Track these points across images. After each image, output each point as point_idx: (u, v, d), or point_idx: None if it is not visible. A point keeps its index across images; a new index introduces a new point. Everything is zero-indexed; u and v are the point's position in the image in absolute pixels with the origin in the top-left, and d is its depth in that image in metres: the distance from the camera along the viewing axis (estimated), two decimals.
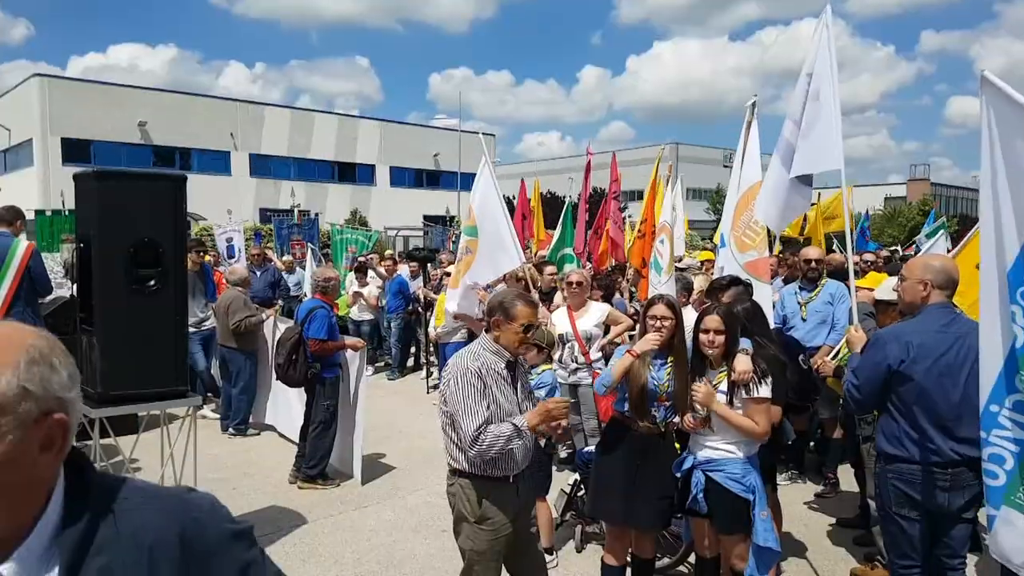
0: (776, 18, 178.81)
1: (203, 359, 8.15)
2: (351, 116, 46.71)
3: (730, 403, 3.52)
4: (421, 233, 31.14)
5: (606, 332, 5.81)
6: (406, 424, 8.08)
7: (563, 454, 6.14)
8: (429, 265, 10.62)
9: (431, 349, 10.14)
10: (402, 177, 46.40)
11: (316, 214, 17.31)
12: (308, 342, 5.67)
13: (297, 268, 13.52)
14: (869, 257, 11.41)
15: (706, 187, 51.67)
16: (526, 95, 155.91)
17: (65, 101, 34.71)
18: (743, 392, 3.50)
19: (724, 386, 3.55)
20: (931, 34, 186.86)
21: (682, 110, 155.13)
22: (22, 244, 5.59)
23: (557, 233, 9.12)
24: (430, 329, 9.17)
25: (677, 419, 3.74)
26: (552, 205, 26.17)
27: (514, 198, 44.03)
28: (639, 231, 8.58)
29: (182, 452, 4.86)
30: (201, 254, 8.24)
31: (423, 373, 10.31)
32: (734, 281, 4.34)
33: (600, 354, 5.66)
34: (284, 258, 14.41)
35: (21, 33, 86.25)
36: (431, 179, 47.75)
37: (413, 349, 11.70)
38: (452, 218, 33.44)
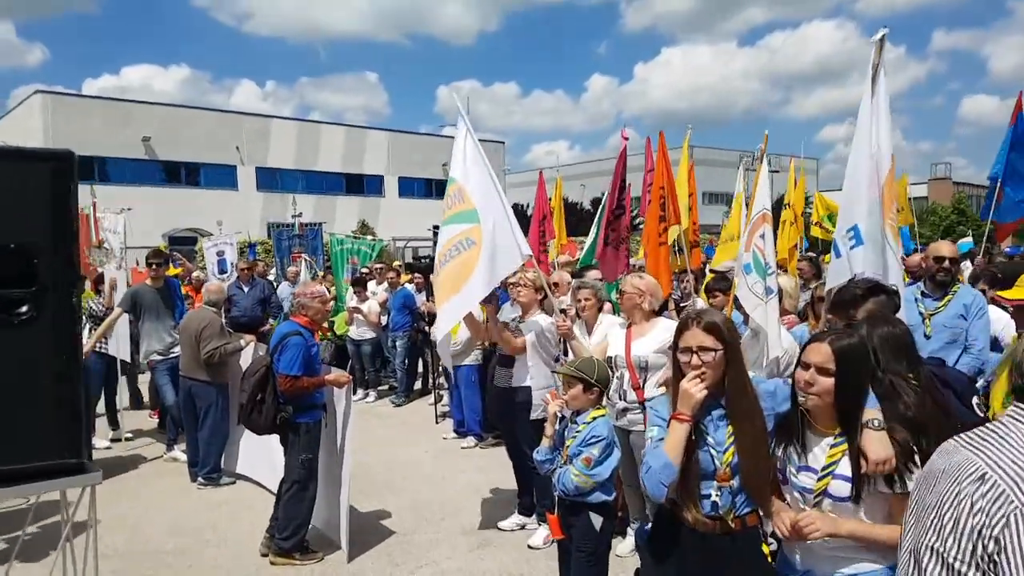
0: (784, 21, 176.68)
1: (171, 392, 6.91)
2: (358, 127, 45.75)
3: (856, 497, 2.22)
4: (431, 243, 29.93)
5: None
6: (409, 465, 6.80)
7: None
8: (432, 276, 9.33)
9: (440, 371, 8.90)
10: (411, 188, 45.36)
11: (319, 224, 16.08)
12: (278, 378, 4.41)
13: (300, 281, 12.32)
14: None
15: (724, 191, 50.25)
16: (533, 105, 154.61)
17: (68, 118, 33.98)
18: (881, 484, 2.20)
19: (843, 466, 2.24)
20: (943, 33, 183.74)
21: (691, 116, 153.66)
22: None
23: (592, 235, 7.84)
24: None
25: (748, 509, 2.46)
26: (566, 211, 24.86)
27: (527, 206, 42.70)
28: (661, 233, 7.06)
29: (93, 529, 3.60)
30: (156, 267, 6.96)
31: (432, 398, 9.04)
32: (875, 289, 2.97)
33: (660, 391, 4.30)
34: (290, 269, 13.27)
35: (37, 57, 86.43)
36: (440, 189, 46.55)
37: (421, 370, 10.45)
38: None
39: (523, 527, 5.13)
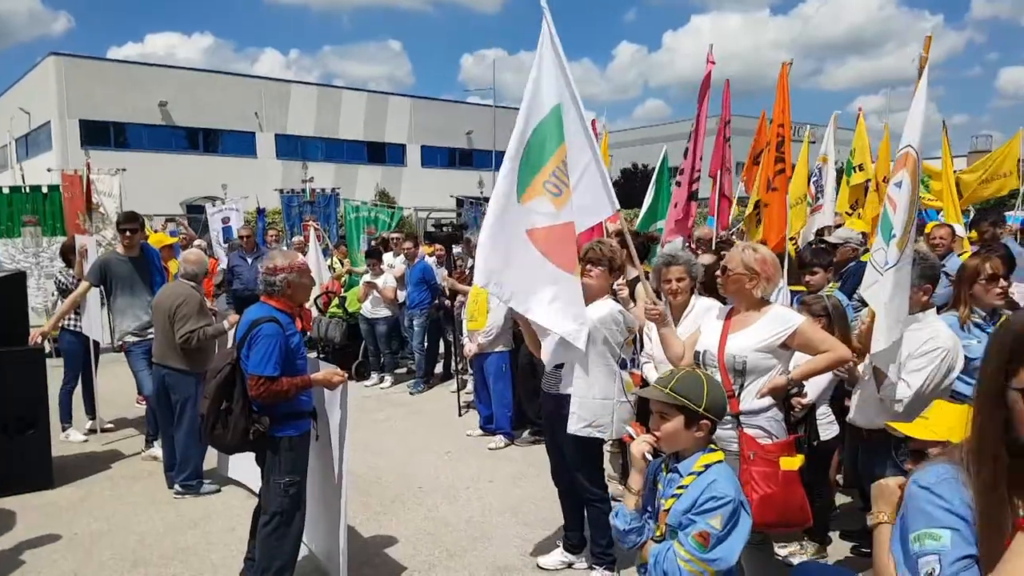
0: None
1: (150, 379, 5.86)
2: (380, 92, 44.40)
3: None
4: (454, 214, 28.74)
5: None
6: (426, 471, 5.70)
7: None
8: (455, 247, 8.13)
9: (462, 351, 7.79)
10: (433, 157, 44.07)
11: (333, 190, 14.97)
12: (247, 379, 3.30)
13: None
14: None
15: None
16: None
17: (83, 82, 33.07)
18: None
19: None
20: (982, 2, 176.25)
21: (721, 85, 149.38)
22: None
23: (648, 198, 6.59)
24: (465, 340, 6.77)
25: None
26: None
27: None
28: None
29: None
30: (129, 233, 5.85)
31: (454, 384, 7.95)
32: None
33: (765, 403, 3.15)
34: (295, 239, 12.19)
35: (62, 26, 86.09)
36: (464, 159, 45.35)
37: (442, 351, 9.34)
38: (487, 200, 30.94)
39: (570, 566, 4.02)
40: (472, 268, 7.88)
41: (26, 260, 10.49)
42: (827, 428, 4.08)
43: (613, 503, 3.97)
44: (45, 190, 10.77)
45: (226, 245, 11.96)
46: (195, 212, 26.94)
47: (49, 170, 12.31)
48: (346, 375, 3.56)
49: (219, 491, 5.26)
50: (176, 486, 5.21)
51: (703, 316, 3.86)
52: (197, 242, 11.02)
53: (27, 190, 10.62)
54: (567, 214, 3.41)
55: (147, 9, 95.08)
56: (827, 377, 3.82)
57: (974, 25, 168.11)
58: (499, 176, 3.50)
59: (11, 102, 37.12)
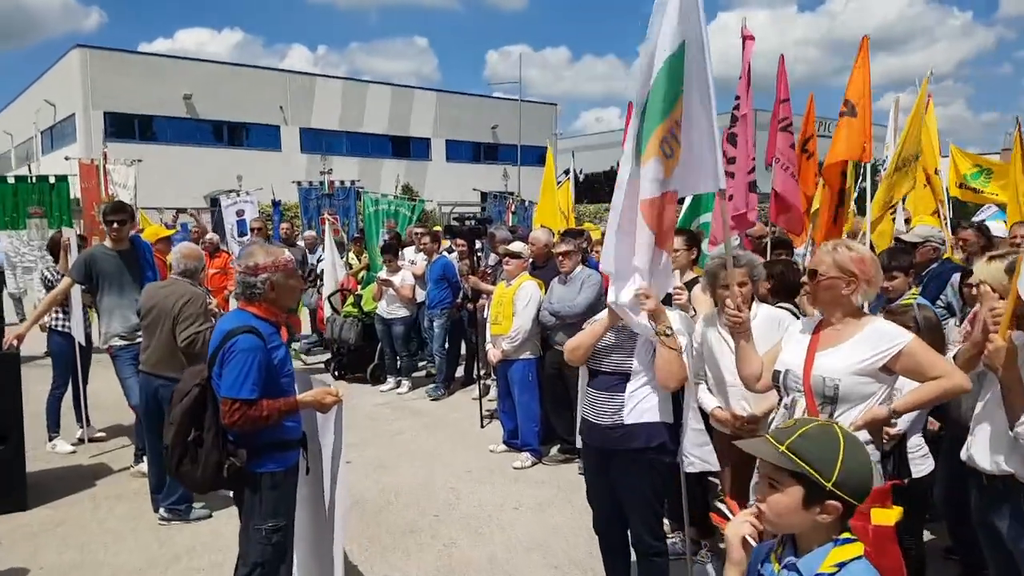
0: None
1: (138, 388, 5.29)
2: (405, 87, 43.92)
3: None
4: (478, 208, 28.12)
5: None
6: (443, 495, 5.06)
7: None
8: (479, 242, 7.48)
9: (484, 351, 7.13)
10: (458, 151, 43.50)
11: (353, 182, 14.43)
12: (220, 403, 2.68)
13: (319, 248, 10.67)
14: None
15: None
16: (584, 71, 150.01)
17: (107, 74, 32.97)
18: None
19: None
20: None
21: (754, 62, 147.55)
22: None
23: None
24: (488, 345, 6.12)
25: None
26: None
27: (580, 172, 40.60)
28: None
29: None
30: (117, 226, 5.28)
31: (476, 390, 7.32)
32: None
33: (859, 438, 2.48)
34: (307, 233, 11.63)
35: (94, 21, 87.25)
36: (489, 153, 44.71)
37: (464, 351, 8.69)
38: (511, 194, 30.28)
39: None
40: (494, 266, 7.32)
41: (31, 253, 10.07)
42: (920, 463, 3.38)
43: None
44: (52, 180, 10.33)
45: (241, 239, 11.47)
46: (218, 206, 26.69)
47: (67, 159, 11.92)
48: (340, 395, 2.93)
49: (210, 516, 4.67)
50: (162, 510, 4.62)
51: (768, 327, 3.25)
52: (209, 235, 10.52)
53: (33, 180, 10.18)
54: (674, 180, 2.79)
55: (178, 5, 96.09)
56: None
57: (1004, 22, 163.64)
58: (627, 137, 2.91)
59: (37, 94, 37.27)
